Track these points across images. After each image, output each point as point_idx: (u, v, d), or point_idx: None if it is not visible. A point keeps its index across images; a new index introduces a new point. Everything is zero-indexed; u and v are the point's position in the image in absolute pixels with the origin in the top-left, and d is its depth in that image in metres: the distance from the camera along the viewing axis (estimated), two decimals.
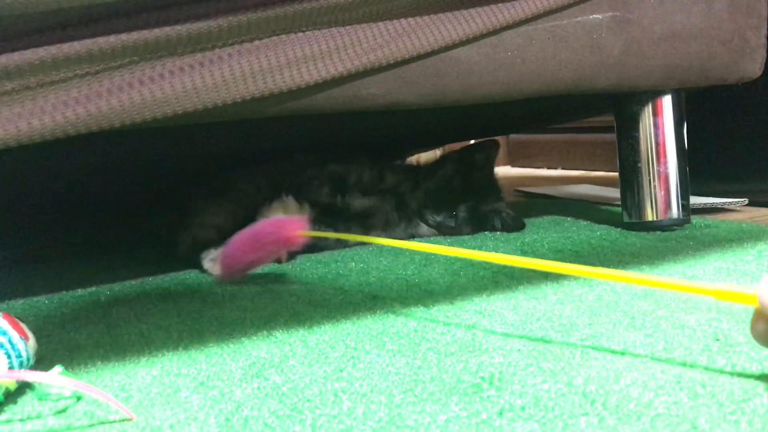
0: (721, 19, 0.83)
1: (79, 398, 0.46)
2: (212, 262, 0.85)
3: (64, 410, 0.44)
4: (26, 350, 0.47)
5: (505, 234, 0.98)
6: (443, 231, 1.01)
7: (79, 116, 0.55)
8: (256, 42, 0.60)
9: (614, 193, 1.22)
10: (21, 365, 0.47)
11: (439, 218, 1.00)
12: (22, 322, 0.49)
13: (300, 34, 0.62)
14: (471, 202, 1.01)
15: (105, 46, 0.55)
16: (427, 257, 0.85)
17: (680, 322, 0.53)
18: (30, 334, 0.49)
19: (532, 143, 2.27)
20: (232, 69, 0.59)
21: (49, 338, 0.61)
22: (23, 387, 0.47)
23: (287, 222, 0.74)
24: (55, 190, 1.01)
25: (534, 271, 0.73)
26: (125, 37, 0.56)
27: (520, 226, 1.01)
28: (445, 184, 1.02)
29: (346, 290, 0.71)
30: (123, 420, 0.42)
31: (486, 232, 1.00)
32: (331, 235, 0.90)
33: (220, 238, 0.89)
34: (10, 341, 0.46)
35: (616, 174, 0.97)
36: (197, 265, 0.87)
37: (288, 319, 0.62)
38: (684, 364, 0.44)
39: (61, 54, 0.53)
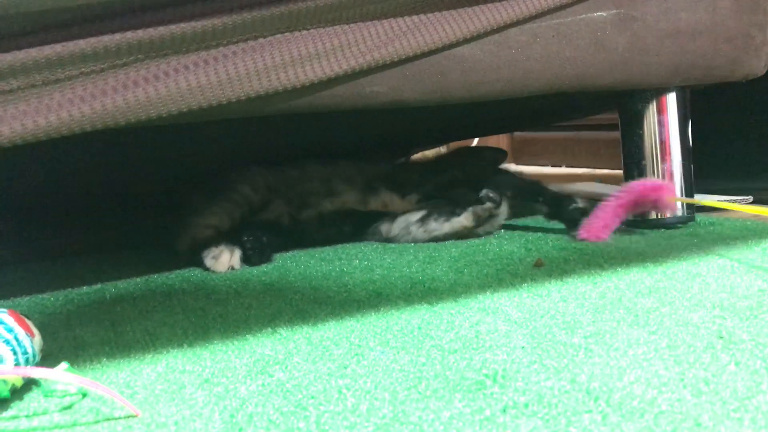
0: (726, 17, 0.83)
1: (84, 395, 0.46)
2: (213, 259, 0.86)
3: (69, 407, 0.45)
4: (32, 347, 0.48)
5: (509, 232, 0.98)
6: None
7: (85, 114, 0.55)
8: (261, 40, 0.60)
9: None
10: (27, 362, 0.47)
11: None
12: (28, 319, 0.50)
13: (304, 32, 0.62)
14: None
15: (110, 44, 0.55)
16: (431, 255, 0.85)
17: (684, 319, 0.53)
18: (36, 331, 0.50)
19: (536, 141, 2.26)
20: (237, 67, 0.59)
21: (55, 335, 0.61)
22: (29, 383, 0.48)
23: (660, 185, 0.86)
24: (60, 187, 1.01)
25: (538, 269, 0.73)
26: (130, 35, 0.56)
27: None
28: (450, 186, 1.03)
29: (350, 288, 0.71)
30: (128, 417, 0.42)
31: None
32: (704, 203, 0.96)
33: (218, 237, 0.90)
34: (16, 338, 0.46)
35: (621, 172, 0.97)
36: (199, 264, 0.88)
37: (292, 317, 0.62)
38: (688, 362, 0.44)
39: (67, 52, 0.54)
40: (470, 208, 0.95)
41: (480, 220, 0.96)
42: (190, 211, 0.94)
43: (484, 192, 0.95)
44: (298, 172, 1.01)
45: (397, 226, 0.99)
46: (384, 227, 1.00)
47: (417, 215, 0.99)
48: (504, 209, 0.98)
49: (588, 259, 0.76)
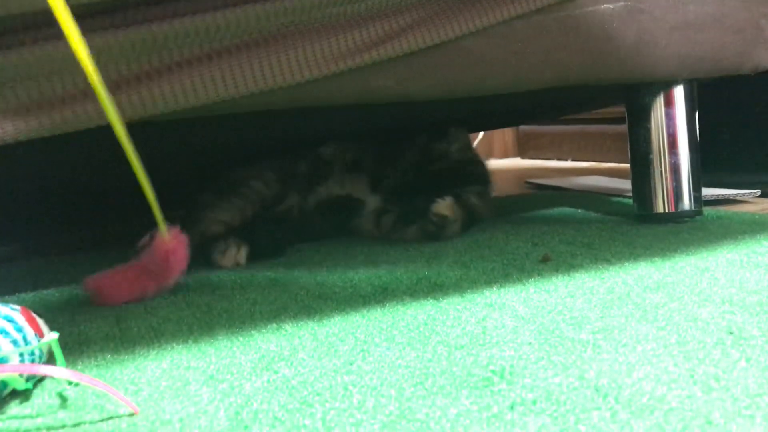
0: (735, 8, 0.82)
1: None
2: (221, 254, 0.86)
3: (73, 404, 0.44)
4: (39, 348, 0.47)
5: (515, 227, 0.98)
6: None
7: (89, 112, 0.55)
8: (266, 35, 0.60)
9: (625, 184, 1.21)
10: (33, 363, 0.47)
11: None
12: (40, 317, 0.50)
13: (310, 27, 0.61)
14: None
15: (113, 40, 0.55)
16: (437, 250, 0.85)
17: (693, 315, 0.52)
18: (46, 331, 0.49)
19: (542, 134, 2.25)
20: (241, 64, 0.59)
21: (60, 331, 0.61)
22: (35, 382, 0.48)
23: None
24: (66, 183, 1.01)
25: (545, 264, 0.72)
26: (135, 32, 0.55)
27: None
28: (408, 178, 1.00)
29: (355, 283, 0.71)
30: (131, 414, 0.42)
31: (498, 226, 1.00)
32: None
33: (228, 232, 0.90)
34: (24, 338, 0.46)
35: (627, 165, 0.96)
36: (206, 258, 0.87)
37: (297, 312, 0.61)
38: (697, 358, 0.44)
39: (69, 49, 0.53)
40: (415, 225, 0.93)
41: (430, 233, 0.92)
42: (200, 207, 0.94)
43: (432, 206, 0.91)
44: (300, 162, 1.01)
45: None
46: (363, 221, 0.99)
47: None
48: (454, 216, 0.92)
49: (595, 254, 0.75)
